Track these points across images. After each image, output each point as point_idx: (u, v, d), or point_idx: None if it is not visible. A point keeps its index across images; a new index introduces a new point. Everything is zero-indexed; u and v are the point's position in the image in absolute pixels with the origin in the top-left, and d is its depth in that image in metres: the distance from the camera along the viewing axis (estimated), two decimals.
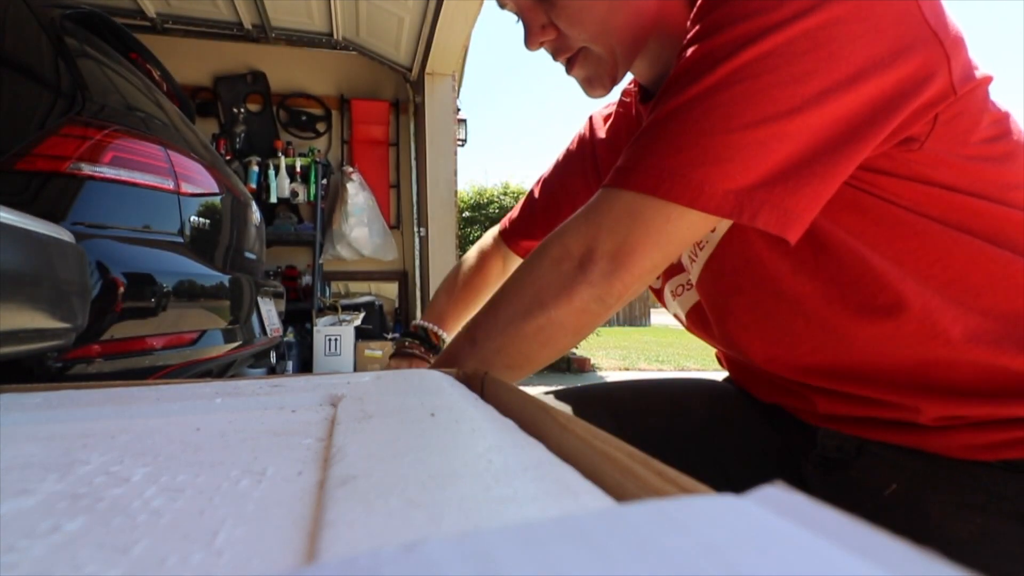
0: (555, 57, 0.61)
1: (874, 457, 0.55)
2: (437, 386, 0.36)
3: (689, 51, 0.46)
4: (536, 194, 0.85)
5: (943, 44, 0.43)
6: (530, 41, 0.59)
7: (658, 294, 0.75)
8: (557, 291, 0.48)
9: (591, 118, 0.82)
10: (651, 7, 0.57)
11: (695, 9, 0.48)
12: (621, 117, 0.76)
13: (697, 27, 0.47)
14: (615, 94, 0.73)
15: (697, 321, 0.69)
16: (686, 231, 0.46)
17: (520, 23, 0.60)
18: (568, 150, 0.83)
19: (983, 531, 0.48)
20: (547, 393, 0.75)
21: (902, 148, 0.46)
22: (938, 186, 0.48)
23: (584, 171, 0.80)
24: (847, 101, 0.42)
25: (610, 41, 0.57)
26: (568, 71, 0.62)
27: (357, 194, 3.97)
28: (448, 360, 0.52)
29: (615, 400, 0.73)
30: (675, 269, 0.70)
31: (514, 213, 0.88)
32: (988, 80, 0.48)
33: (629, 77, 0.71)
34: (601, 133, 0.78)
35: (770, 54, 0.42)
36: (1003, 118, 0.49)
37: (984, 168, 0.48)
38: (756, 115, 0.42)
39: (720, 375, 0.80)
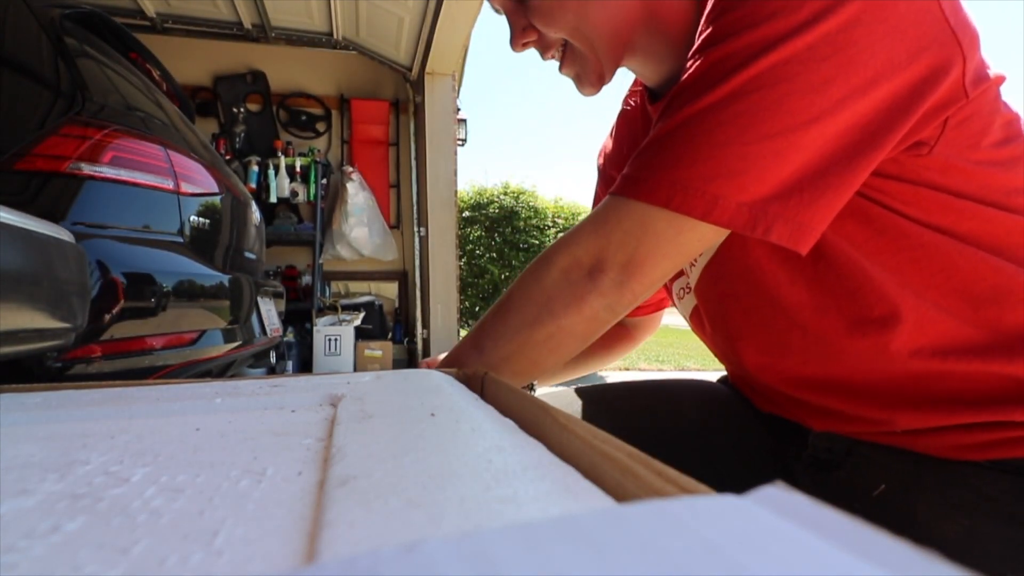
0: (542, 56, 0.61)
1: (863, 458, 0.55)
2: (437, 386, 0.36)
3: (702, 56, 0.45)
4: None
5: (961, 44, 0.42)
6: (514, 42, 0.60)
7: (668, 294, 0.76)
8: (567, 300, 0.48)
9: (604, 143, 0.82)
10: (633, 4, 0.56)
11: (708, 10, 0.47)
12: (625, 123, 0.75)
13: (710, 30, 0.45)
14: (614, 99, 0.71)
15: (697, 325, 0.70)
16: (697, 242, 0.46)
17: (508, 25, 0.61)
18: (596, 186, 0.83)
19: (970, 532, 0.48)
20: (544, 394, 0.76)
21: (911, 153, 0.45)
22: (946, 192, 0.47)
23: (604, 191, 0.80)
24: (863, 107, 0.41)
25: (587, 38, 0.57)
26: (560, 69, 0.62)
27: (357, 194, 3.97)
28: (453, 366, 0.52)
29: (610, 400, 0.73)
30: (679, 272, 0.70)
31: None
32: (1000, 80, 0.47)
33: (628, 79, 0.71)
34: (610, 146, 0.79)
35: (789, 61, 0.40)
36: (1014, 120, 0.49)
37: (992, 173, 0.47)
38: (774, 126, 0.41)
39: (719, 374, 0.80)
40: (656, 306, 0.84)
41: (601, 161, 0.80)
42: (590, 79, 0.60)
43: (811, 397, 0.57)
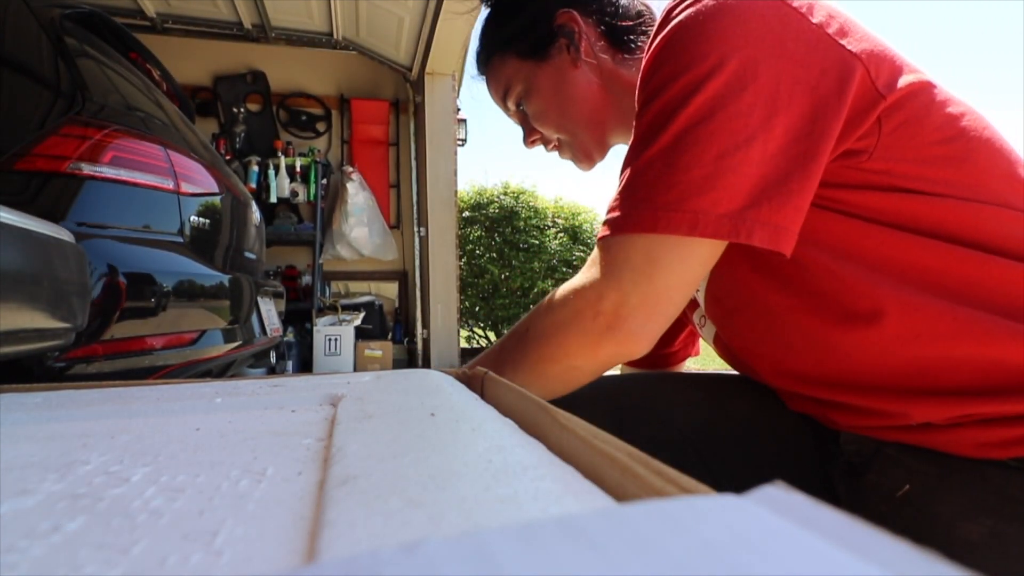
0: (546, 149, 0.78)
1: (888, 460, 0.55)
2: (437, 386, 0.36)
3: (645, 111, 0.52)
4: None
5: (857, 56, 0.48)
6: (525, 142, 0.78)
7: (693, 326, 0.79)
8: (581, 344, 0.53)
9: None
10: (593, 91, 0.68)
11: (639, 81, 0.54)
12: None
13: (646, 92, 0.52)
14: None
15: (721, 349, 0.72)
16: (699, 267, 0.51)
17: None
18: None
19: (993, 533, 0.47)
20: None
21: (852, 159, 0.49)
22: (899, 191, 0.49)
23: None
24: (790, 120, 0.47)
25: (572, 129, 0.72)
26: (560, 156, 0.78)
27: (357, 194, 3.97)
28: None
29: (654, 392, 0.74)
30: (693, 304, 0.73)
31: None
32: (925, 84, 0.50)
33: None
34: None
35: (714, 96, 0.47)
36: (957, 117, 0.50)
37: (945, 169, 0.49)
38: (723, 146, 0.47)
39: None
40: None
41: None
42: (578, 157, 0.76)
43: (825, 394, 0.58)
